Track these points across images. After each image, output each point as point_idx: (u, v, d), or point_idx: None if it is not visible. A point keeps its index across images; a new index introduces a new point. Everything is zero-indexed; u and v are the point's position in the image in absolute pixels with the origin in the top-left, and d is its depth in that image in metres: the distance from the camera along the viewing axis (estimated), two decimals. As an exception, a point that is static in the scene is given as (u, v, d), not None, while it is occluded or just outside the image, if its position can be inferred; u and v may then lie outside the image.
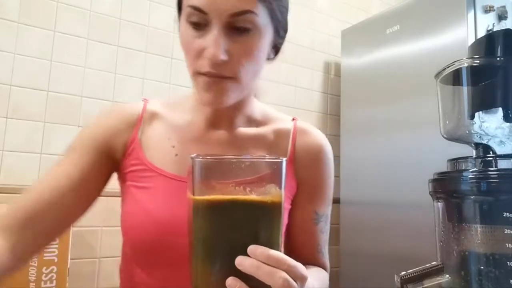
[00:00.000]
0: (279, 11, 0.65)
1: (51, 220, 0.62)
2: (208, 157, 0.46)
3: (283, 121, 0.77)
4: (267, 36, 0.64)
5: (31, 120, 1.49)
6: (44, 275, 1.12)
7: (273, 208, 0.47)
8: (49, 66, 1.53)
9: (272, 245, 0.46)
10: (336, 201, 2.16)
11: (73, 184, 0.64)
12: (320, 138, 0.77)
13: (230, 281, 0.44)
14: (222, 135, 0.72)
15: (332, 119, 2.30)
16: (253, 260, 0.44)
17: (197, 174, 0.46)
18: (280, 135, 0.75)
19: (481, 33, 1.59)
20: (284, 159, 0.47)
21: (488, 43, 0.51)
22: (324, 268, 0.76)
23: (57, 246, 1.15)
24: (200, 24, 0.60)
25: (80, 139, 0.69)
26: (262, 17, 0.61)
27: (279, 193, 0.47)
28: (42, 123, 1.51)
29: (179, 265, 0.55)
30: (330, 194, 0.77)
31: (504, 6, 1.60)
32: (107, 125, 0.70)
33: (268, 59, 0.71)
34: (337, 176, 2.19)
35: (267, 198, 0.46)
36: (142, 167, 0.68)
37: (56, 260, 1.14)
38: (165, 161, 0.68)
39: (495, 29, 1.58)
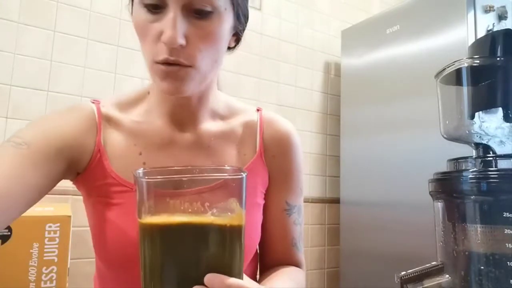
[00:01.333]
0: None
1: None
2: (158, 177, 0.40)
3: (249, 113, 0.74)
4: (228, 21, 0.60)
5: (31, 120, 1.48)
6: (44, 275, 1.12)
7: (232, 231, 0.41)
8: (49, 66, 1.53)
9: (232, 272, 0.41)
10: (336, 201, 2.16)
11: (27, 191, 0.54)
12: (287, 126, 0.75)
13: None
14: (189, 136, 0.67)
15: (332, 119, 2.30)
16: None
17: (142, 195, 0.40)
18: (248, 128, 0.72)
19: (481, 33, 1.58)
20: (245, 174, 0.41)
21: (488, 43, 0.51)
22: (299, 264, 0.75)
23: (57, 246, 1.15)
24: (156, 6, 0.55)
25: (34, 136, 0.59)
26: (221, 0, 0.57)
27: (239, 213, 0.41)
28: (42, 123, 1.51)
29: None
30: (300, 183, 0.75)
31: (504, 6, 1.60)
32: (70, 127, 0.62)
33: (229, 48, 0.67)
34: (337, 176, 2.19)
35: (225, 220, 0.40)
36: (110, 181, 0.62)
37: (56, 260, 1.14)
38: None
39: (495, 29, 1.58)
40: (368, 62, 2.03)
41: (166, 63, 0.55)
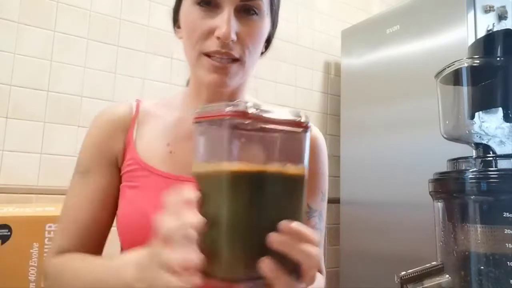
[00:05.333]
0: (276, 4, 0.69)
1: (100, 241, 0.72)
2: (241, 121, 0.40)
3: None
4: (267, 25, 0.68)
5: (31, 120, 1.49)
6: (44, 275, 1.11)
7: (301, 181, 0.45)
8: (49, 66, 1.53)
9: (299, 220, 0.44)
10: (336, 201, 2.16)
11: (106, 207, 0.70)
12: (313, 130, 0.77)
13: (266, 261, 0.40)
14: None
15: (332, 119, 2.29)
16: (285, 237, 0.41)
17: (225, 139, 0.40)
18: None
19: (481, 33, 1.58)
20: (308, 132, 0.45)
21: (488, 43, 0.51)
22: (319, 270, 0.74)
23: (57, 246, 1.15)
24: (209, 4, 0.62)
25: (88, 158, 0.70)
26: (265, 5, 0.65)
27: (303, 167, 0.45)
28: (42, 123, 1.51)
29: None
30: (322, 187, 0.76)
31: (504, 6, 1.60)
32: (105, 136, 0.71)
33: (261, 53, 0.73)
34: (337, 176, 2.19)
35: (300, 170, 0.44)
36: (136, 167, 0.68)
37: (56, 260, 1.14)
38: (159, 159, 0.68)
39: (495, 29, 1.58)
40: (368, 62, 2.03)
41: (217, 54, 0.62)
